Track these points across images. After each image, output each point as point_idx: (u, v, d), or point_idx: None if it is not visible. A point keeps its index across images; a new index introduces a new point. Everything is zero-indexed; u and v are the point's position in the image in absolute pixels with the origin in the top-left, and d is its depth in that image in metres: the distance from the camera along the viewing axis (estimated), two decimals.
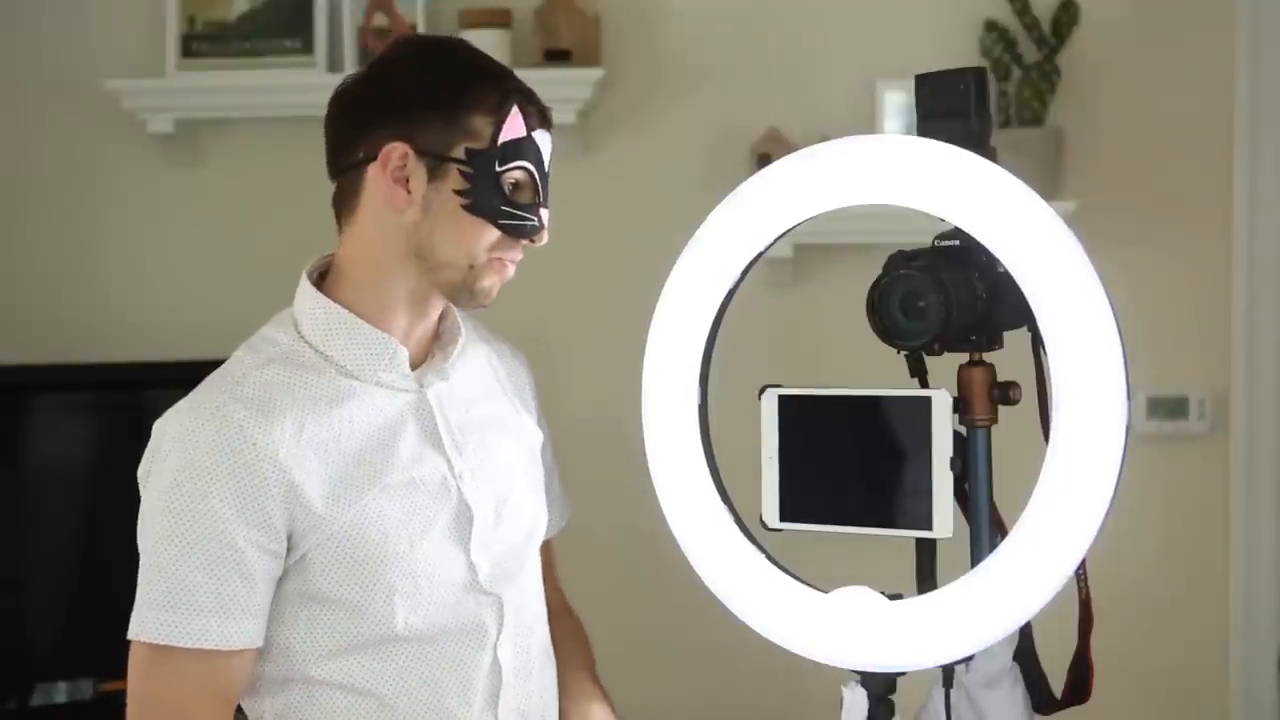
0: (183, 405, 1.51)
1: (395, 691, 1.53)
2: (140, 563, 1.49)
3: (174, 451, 1.48)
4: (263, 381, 1.52)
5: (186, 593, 1.45)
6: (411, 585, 1.52)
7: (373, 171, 1.53)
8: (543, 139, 1.58)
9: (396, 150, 1.52)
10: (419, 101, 1.53)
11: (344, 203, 1.58)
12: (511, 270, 1.58)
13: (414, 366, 1.60)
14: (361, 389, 1.55)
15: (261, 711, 1.56)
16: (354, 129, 1.56)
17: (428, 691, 1.54)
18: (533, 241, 1.57)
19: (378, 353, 1.56)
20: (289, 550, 1.50)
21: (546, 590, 1.75)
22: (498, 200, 1.53)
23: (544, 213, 1.57)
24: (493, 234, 1.53)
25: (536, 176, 1.55)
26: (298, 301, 1.59)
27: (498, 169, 1.52)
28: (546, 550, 1.80)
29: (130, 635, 1.47)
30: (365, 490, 1.52)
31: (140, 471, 1.52)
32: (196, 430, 1.47)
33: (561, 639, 1.77)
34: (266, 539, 1.48)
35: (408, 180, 1.52)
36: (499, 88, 1.55)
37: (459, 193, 1.52)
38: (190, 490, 1.46)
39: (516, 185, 1.54)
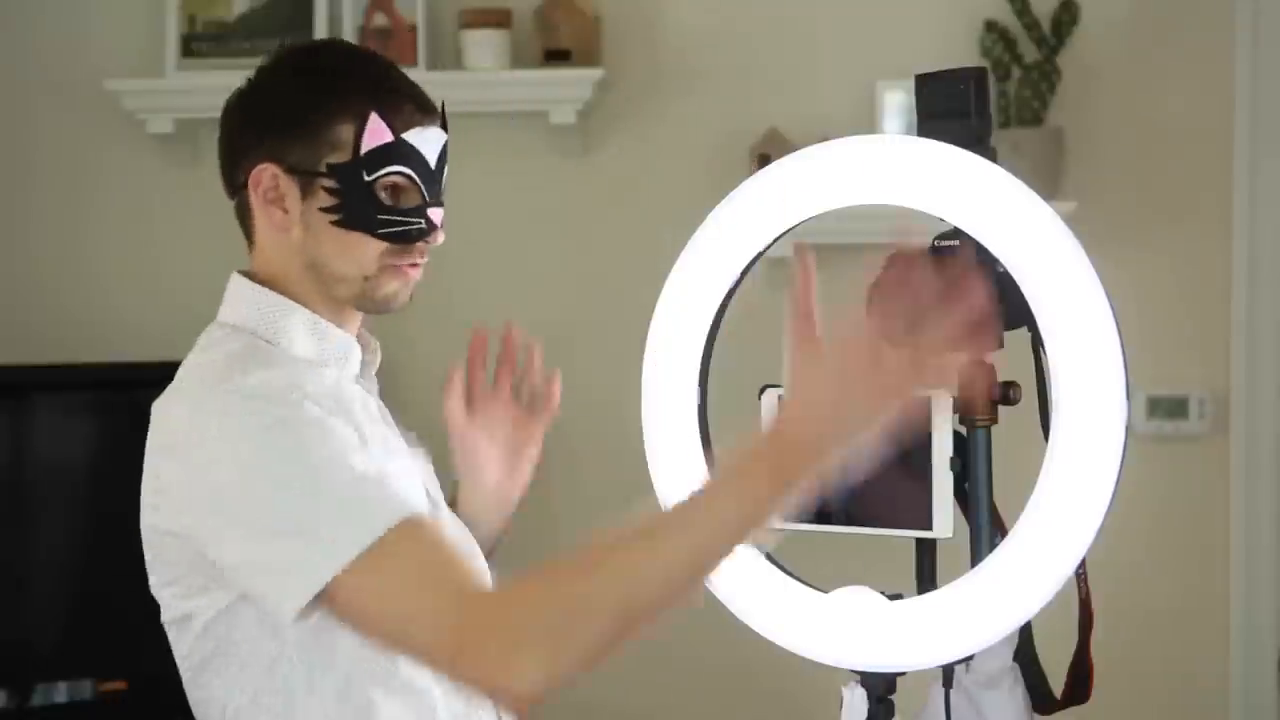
0: (213, 387, 1.44)
1: (440, 693, 1.48)
2: (270, 515, 1.35)
3: (234, 404, 1.40)
4: (272, 356, 1.49)
5: (358, 483, 1.35)
6: None
7: (251, 194, 1.53)
8: (425, 135, 1.50)
9: (266, 172, 1.51)
10: (282, 119, 1.52)
11: (242, 223, 1.59)
12: (416, 274, 1.52)
13: None
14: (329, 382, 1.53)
15: (233, 688, 1.48)
16: (234, 150, 1.56)
17: (461, 696, 1.49)
18: (426, 243, 1.51)
19: (342, 349, 1.54)
20: None
21: None
22: (373, 209, 1.49)
23: (434, 212, 1.50)
24: (377, 244, 1.49)
25: (417, 178, 1.49)
26: (233, 305, 1.57)
27: (367, 178, 1.48)
28: None
29: (337, 567, 1.31)
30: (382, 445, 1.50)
31: (157, 453, 1.44)
32: (246, 380, 1.41)
33: None
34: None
35: (284, 199, 1.51)
36: (357, 94, 1.50)
37: (326, 210, 1.49)
38: (283, 407, 1.39)
39: (395, 190, 1.49)
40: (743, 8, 3.05)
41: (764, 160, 2.65)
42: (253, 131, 1.54)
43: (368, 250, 1.50)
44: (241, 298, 1.57)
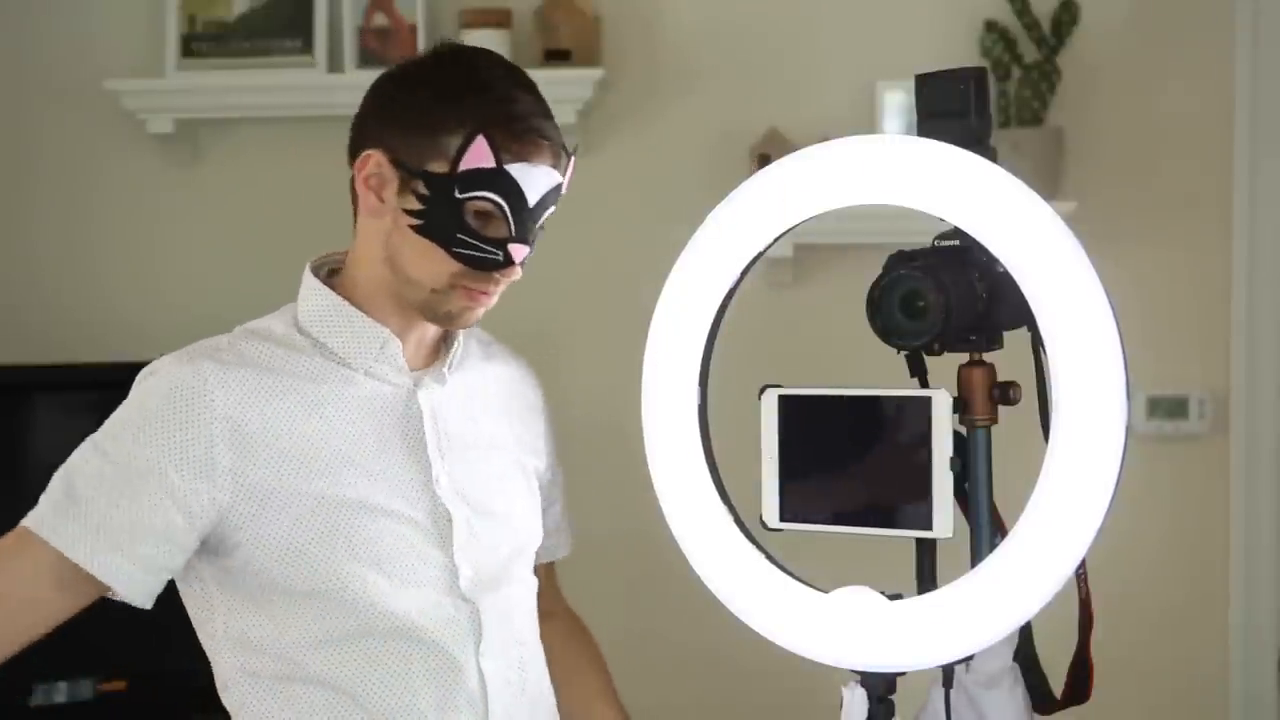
0: (167, 356, 1.54)
1: (372, 691, 1.52)
2: (71, 472, 1.52)
3: (137, 394, 1.52)
4: (242, 351, 1.54)
5: (82, 503, 1.48)
6: (384, 580, 1.52)
7: (356, 174, 1.55)
8: (532, 172, 1.50)
9: (372, 158, 1.53)
10: (404, 112, 1.52)
11: (352, 196, 1.60)
12: (487, 300, 1.54)
13: (414, 369, 1.60)
14: (348, 376, 1.56)
15: (240, 706, 1.56)
16: (359, 125, 1.57)
17: (407, 695, 1.53)
18: (502, 276, 1.52)
19: (369, 341, 1.57)
20: (238, 521, 1.50)
21: (548, 603, 1.75)
22: (454, 228, 1.49)
23: (517, 248, 1.50)
24: (452, 263, 1.50)
25: (508, 210, 1.49)
26: (300, 292, 1.61)
27: (458, 195, 1.48)
28: (548, 571, 1.81)
29: (47, 536, 1.49)
30: (325, 477, 1.52)
31: None
32: (163, 375, 1.51)
33: (577, 659, 1.78)
34: (188, 492, 1.48)
35: (384, 188, 1.52)
36: (475, 112, 1.49)
37: (410, 212, 1.51)
38: (131, 427, 1.50)
39: (481, 216, 1.49)
40: (743, 8, 3.05)
41: (764, 160, 2.66)
42: (377, 115, 1.55)
43: (442, 266, 1.51)
44: (302, 291, 1.61)
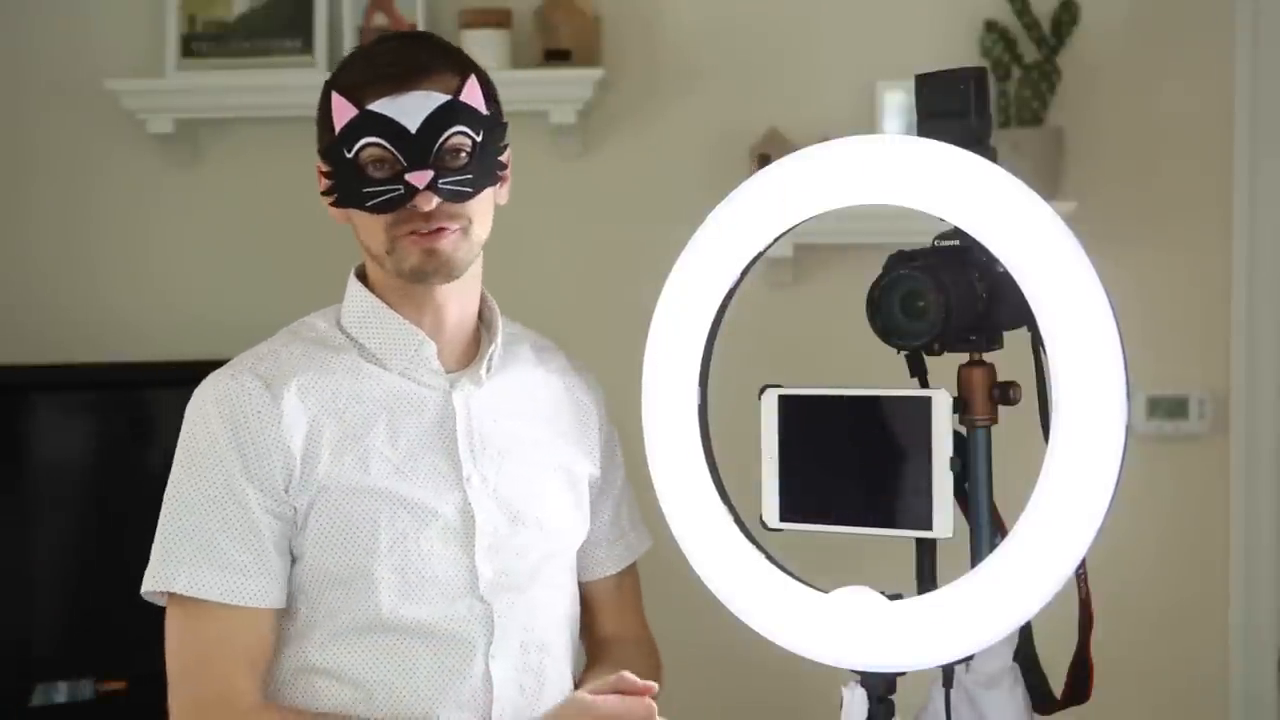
0: (210, 375, 1.58)
1: (380, 685, 1.54)
2: (163, 519, 1.54)
3: (192, 417, 1.56)
4: (284, 357, 1.58)
5: (214, 549, 1.51)
6: (399, 576, 1.53)
7: None
8: (400, 103, 1.51)
9: (318, 170, 1.58)
10: (318, 115, 1.59)
11: None
12: (438, 241, 1.53)
13: (449, 370, 1.62)
14: (384, 376, 1.59)
15: None
16: None
17: (412, 691, 1.54)
18: (416, 208, 1.51)
19: (405, 343, 1.59)
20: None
21: (624, 619, 1.77)
22: (356, 184, 1.52)
23: (416, 175, 1.50)
24: (376, 218, 1.53)
25: (391, 146, 1.51)
26: (345, 294, 1.65)
27: (347, 155, 1.52)
28: (631, 581, 1.80)
29: (161, 587, 1.52)
30: (357, 468, 1.54)
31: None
32: (212, 397, 1.55)
33: (624, 660, 1.74)
34: (273, 502, 1.53)
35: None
36: (335, 76, 1.56)
37: (325, 193, 1.57)
38: (206, 454, 1.53)
39: (375, 163, 1.52)
40: (743, 7, 3.05)
41: (764, 160, 2.65)
42: None
43: (372, 225, 1.55)
44: (346, 294, 1.65)
